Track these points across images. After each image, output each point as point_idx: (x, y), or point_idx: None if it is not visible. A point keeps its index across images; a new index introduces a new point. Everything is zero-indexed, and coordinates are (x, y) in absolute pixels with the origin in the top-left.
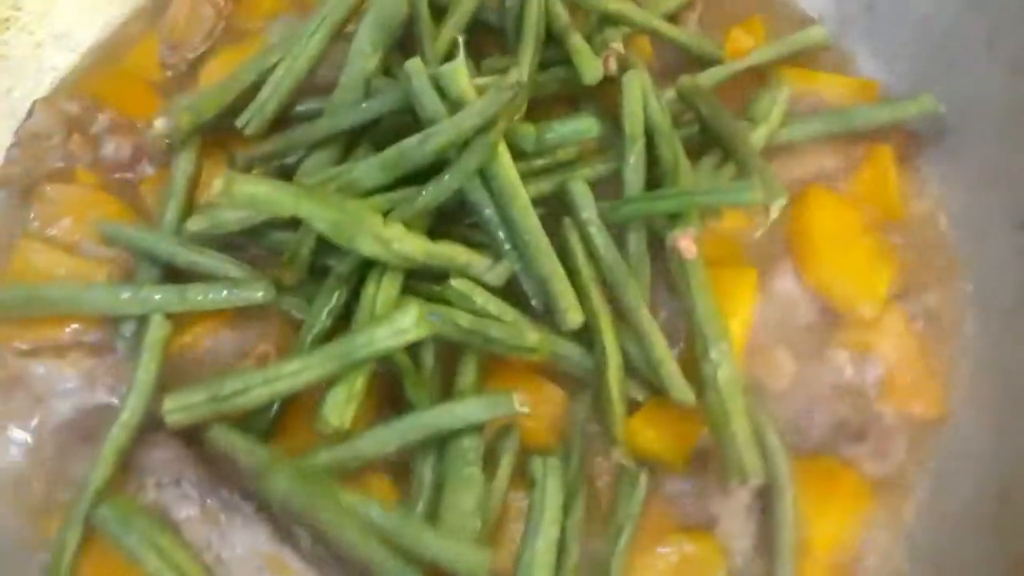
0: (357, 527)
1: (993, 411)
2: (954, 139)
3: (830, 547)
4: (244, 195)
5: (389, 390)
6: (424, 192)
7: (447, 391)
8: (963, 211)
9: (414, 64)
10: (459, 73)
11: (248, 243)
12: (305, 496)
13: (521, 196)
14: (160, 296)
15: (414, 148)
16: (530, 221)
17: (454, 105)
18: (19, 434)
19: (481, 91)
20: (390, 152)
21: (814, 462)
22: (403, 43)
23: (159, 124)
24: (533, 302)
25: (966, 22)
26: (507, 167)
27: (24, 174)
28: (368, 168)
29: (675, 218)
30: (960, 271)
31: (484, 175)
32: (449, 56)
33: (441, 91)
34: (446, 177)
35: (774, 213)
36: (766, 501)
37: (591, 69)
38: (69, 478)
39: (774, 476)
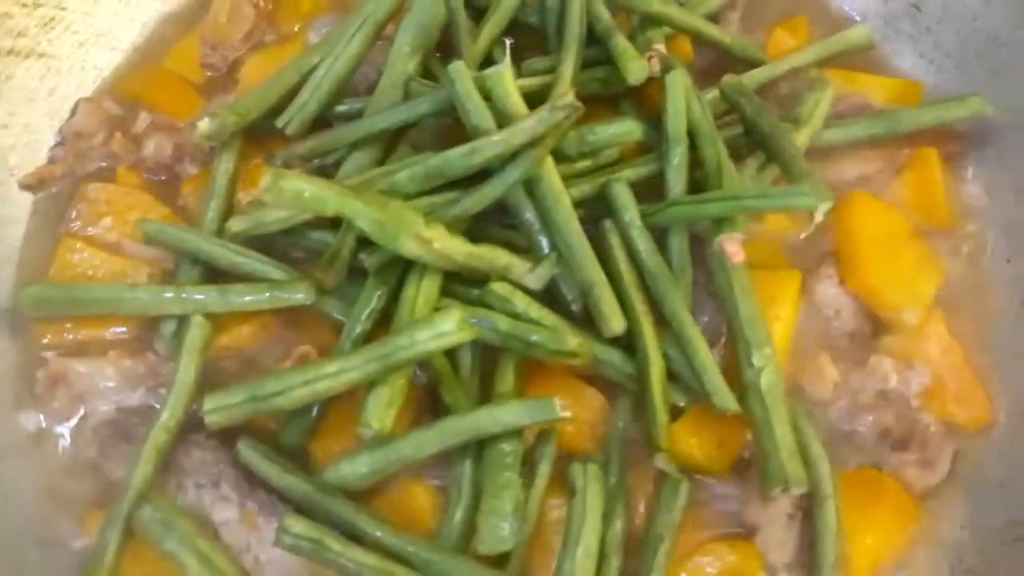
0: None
1: None
2: (1002, 142)
3: (871, 561)
4: (291, 191)
5: (426, 396)
6: (464, 199)
7: (484, 396)
8: (1011, 216)
9: (458, 68)
10: (505, 77)
11: (285, 245)
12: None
13: (564, 201)
14: (202, 296)
15: (459, 159)
16: (572, 225)
17: (499, 110)
18: (61, 432)
19: (525, 92)
20: (434, 161)
21: (857, 472)
22: (441, 45)
23: (203, 125)
24: (572, 306)
25: (1015, 22)
26: (550, 172)
27: (66, 173)
28: (411, 175)
29: (720, 221)
30: (1007, 277)
31: (527, 180)
32: (488, 58)
33: (485, 94)
34: (488, 187)
35: (819, 217)
36: (808, 510)
37: (637, 70)
38: (110, 477)
39: (816, 485)
